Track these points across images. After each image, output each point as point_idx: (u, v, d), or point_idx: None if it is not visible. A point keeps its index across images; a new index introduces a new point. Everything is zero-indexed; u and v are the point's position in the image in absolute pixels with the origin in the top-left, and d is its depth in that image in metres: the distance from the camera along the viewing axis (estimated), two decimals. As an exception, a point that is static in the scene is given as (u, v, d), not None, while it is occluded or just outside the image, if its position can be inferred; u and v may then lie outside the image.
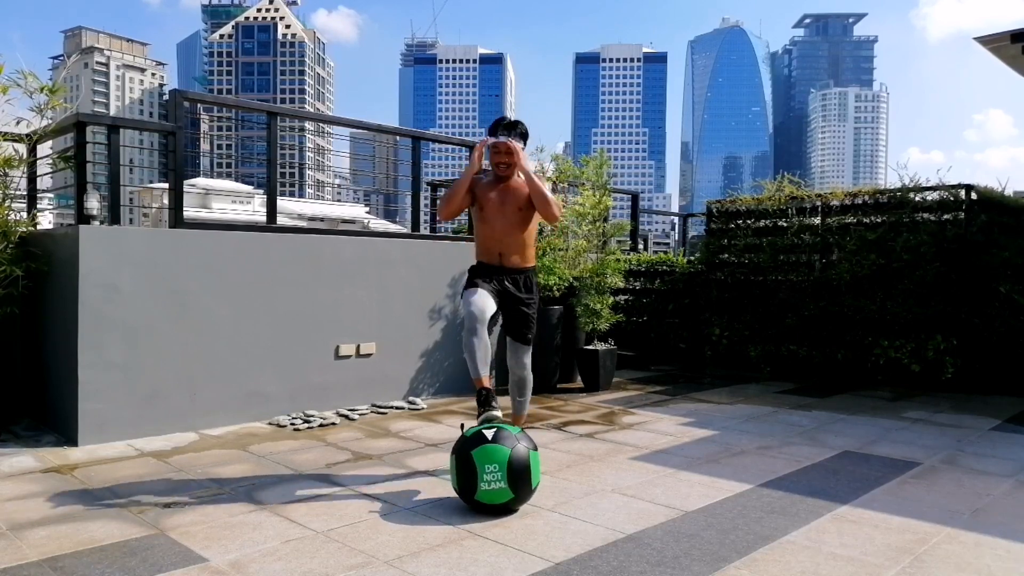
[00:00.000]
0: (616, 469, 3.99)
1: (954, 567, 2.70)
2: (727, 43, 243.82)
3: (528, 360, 3.95)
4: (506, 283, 3.80)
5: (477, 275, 3.80)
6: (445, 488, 3.52)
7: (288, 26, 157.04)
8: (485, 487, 3.13)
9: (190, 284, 4.81)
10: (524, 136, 3.83)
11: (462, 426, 3.44)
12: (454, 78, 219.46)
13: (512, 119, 3.83)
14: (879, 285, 6.81)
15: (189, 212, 5.99)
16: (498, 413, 3.49)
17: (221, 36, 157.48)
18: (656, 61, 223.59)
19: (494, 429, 3.26)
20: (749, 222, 8.02)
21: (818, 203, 7.62)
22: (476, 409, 3.58)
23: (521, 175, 3.80)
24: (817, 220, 7.52)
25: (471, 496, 3.19)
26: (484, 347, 3.57)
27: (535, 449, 3.32)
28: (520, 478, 3.17)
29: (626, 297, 8.27)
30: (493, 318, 3.70)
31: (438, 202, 3.97)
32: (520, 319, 3.88)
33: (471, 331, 3.57)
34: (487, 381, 3.58)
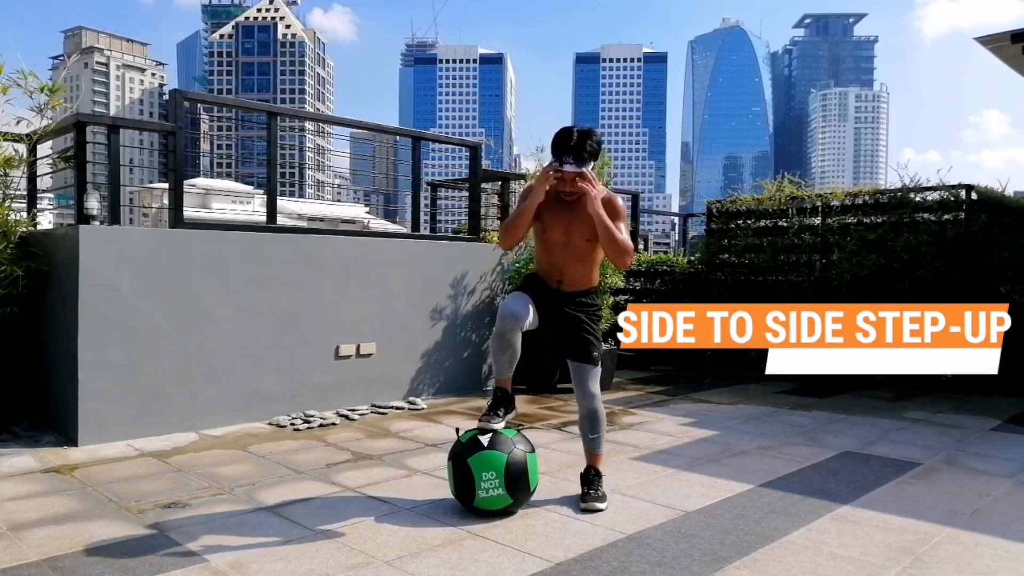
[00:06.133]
0: (616, 469, 3.99)
1: (954, 567, 2.69)
2: (727, 43, 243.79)
3: (594, 386, 3.31)
4: (563, 307, 3.33)
5: (528, 284, 3.40)
6: (445, 489, 3.51)
7: (288, 26, 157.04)
8: (483, 495, 3.12)
9: (190, 284, 4.80)
10: (594, 155, 3.20)
11: (457, 430, 3.40)
12: (454, 78, 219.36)
13: (578, 136, 3.16)
14: (879, 285, 6.81)
15: (189, 212, 5.99)
16: (498, 426, 3.25)
17: (221, 36, 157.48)
18: (656, 61, 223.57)
19: (490, 434, 3.21)
20: (749, 222, 8.02)
21: (818, 203, 7.63)
22: (478, 409, 3.39)
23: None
24: (817, 220, 7.53)
25: (469, 503, 3.18)
26: (512, 351, 3.23)
27: (532, 451, 3.29)
28: (518, 483, 3.15)
29: (626, 297, 8.27)
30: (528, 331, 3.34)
31: (499, 229, 3.33)
32: (575, 333, 3.32)
33: (499, 333, 3.21)
34: (507, 384, 3.33)
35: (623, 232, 3.22)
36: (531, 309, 3.24)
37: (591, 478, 3.39)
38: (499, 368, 3.32)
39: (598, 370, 3.35)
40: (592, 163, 3.21)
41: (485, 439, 3.19)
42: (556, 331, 3.38)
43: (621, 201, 3.37)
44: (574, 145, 3.15)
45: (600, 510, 3.26)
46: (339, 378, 5.51)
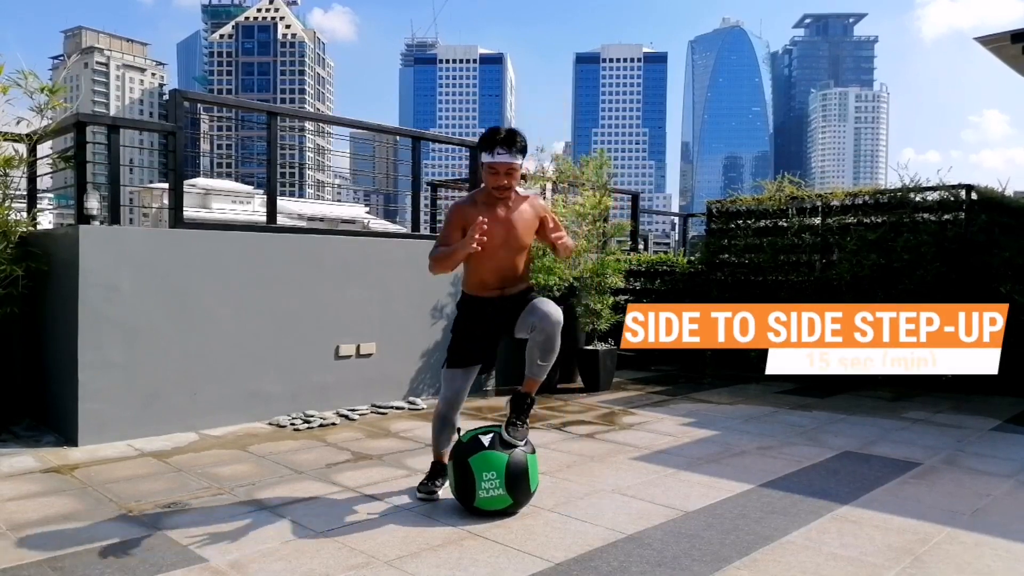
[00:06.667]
0: (616, 469, 3.99)
1: (954, 567, 2.69)
2: (727, 43, 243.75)
3: (556, 311, 3.17)
4: (511, 311, 3.29)
5: (466, 339, 3.38)
6: (445, 489, 3.51)
7: (288, 26, 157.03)
8: (484, 495, 3.11)
9: (190, 284, 4.81)
10: (522, 151, 3.22)
11: (458, 431, 3.41)
12: (454, 78, 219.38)
13: (507, 131, 3.20)
14: (879, 285, 6.81)
15: (189, 212, 6.00)
16: (438, 491, 3.40)
17: (221, 36, 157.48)
18: (656, 61, 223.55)
19: (491, 434, 3.22)
20: (749, 222, 8.02)
21: (818, 203, 7.63)
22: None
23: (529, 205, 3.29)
24: (817, 220, 7.53)
25: (470, 503, 3.18)
26: (451, 429, 3.41)
27: (533, 452, 3.30)
28: (519, 483, 3.15)
29: (626, 297, 8.25)
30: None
31: (430, 256, 3.25)
32: (522, 303, 3.30)
33: (442, 416, 3.40)
34: (445, 458, 3.40)
35: (561, 229, 3.40)
36: (472, 376, 3.41)
37: (526, 407, 3.25)
38: (439, 444, 3.45)
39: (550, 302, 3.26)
40: (521, 158, 3.22)
41: (486, 439, 3.19)
42: (509, 326, 3.30)
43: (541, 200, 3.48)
44: (504, 138, 3.17)
45: (519, 447, 3.16)
46: (339, 378, 5.51)
